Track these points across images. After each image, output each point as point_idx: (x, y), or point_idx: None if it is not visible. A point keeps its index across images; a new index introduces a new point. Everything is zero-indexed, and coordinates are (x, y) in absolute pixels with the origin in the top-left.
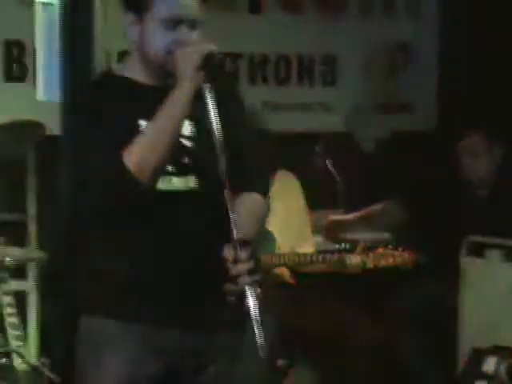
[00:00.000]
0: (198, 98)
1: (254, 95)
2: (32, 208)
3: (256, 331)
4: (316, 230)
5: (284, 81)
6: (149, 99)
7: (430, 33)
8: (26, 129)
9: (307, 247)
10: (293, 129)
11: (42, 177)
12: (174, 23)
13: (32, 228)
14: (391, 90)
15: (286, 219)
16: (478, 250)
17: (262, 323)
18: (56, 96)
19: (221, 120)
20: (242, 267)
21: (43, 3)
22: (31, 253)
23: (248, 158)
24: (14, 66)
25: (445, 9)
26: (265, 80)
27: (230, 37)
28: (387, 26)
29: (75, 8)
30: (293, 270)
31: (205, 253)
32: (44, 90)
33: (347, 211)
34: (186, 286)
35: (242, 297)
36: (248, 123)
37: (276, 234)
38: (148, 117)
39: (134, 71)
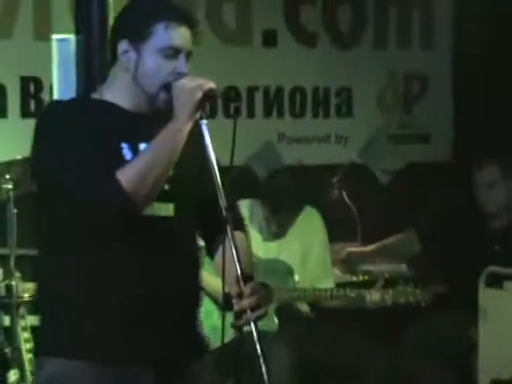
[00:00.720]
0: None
1: (269, 128)
2: None
3: (261, 365)
4: (332, 262)
5: (299, 113)
6: (129, 124)
7: (444, 63)
8: None
9: (327, 283)
10: (309, 161)
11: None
12: (175, 53)
13: None
14: (407, 121)
15: (306, 254)
16: (496, 282)
17: (279, 356)
18: None
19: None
20: (246, 303)
21: (59, 39)
22: None
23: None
24: (31, 101)
25: (459, 40)
26: (280, 112)
27: (246, 70)
28: (402, 58)
29: (90, 43)
30: (312, 305)
31: (180, 283)
32: None
33: (364, 243)
34: (161, 318)
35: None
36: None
37: (296, 269)
38: (129, 140)
39: (117, 96)
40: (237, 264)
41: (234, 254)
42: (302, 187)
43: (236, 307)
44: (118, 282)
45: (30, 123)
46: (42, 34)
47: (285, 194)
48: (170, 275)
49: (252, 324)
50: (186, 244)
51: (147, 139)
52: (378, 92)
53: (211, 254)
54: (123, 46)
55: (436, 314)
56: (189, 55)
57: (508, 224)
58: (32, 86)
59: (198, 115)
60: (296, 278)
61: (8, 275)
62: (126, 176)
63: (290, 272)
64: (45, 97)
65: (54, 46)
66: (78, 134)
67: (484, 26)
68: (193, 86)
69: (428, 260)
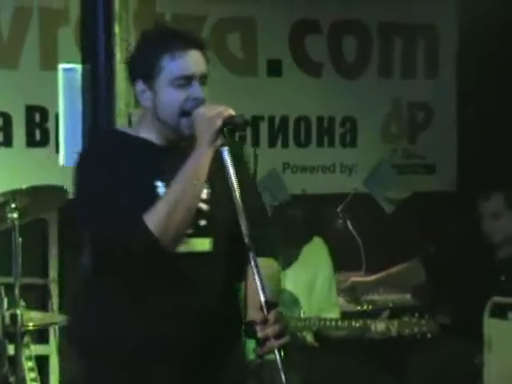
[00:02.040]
0: (213, 160)
1: (274, 157)
2: (53, 271)
3: None
4: (337, 292)
5: (304, 142)
6: (164, 160)
7: (448, 93)
8: (48, 193)
9: (332, 313)
10: (313, 190)
11: (64, 241)
12: (186, 81)
13: (54, 292)
14: (411, 151)
15: (312, 284)
16: (501, 312)
17: None
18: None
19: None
20: (271, 330)
21: (65, 69)
22: (53, 317)
23: (260, 224)
24: (37, 131)
25: (463, 70)
26: (285, 142)
27: (251, 100)
28: (406, 87)
29: (97, 73)
30: (317, 334)
31: (219, 316)
32: (66, 154)
33: (368, 272)
34: (201, 349)
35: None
36: (255, 187)
37: (302, 299)
38: (164, 178)
39: (149, 133)
40: (260, 291)
41: (258, 281)
42: (309, 217)
43: (260, 334)
44: (160, 318)
45: (35, 152)
46: (48, 63)
47: (292, 226)
48: (208, 309)
49: (276, 352)
50: (223, 276)
51: None
52: (382, 121)
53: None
54: (139, 86)
55: (441, 344)
56: (203, 78)
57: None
58: (37, 116)
59: (218, 142)
60: (302, 308)
61: (12, 304)
62: (154, 218)
63: (295, 302)
64: (50, 126)
65: (61, 75)
66: (112, 179)
67: (487, 57)
68: (212, 114)
69: (433, 290)
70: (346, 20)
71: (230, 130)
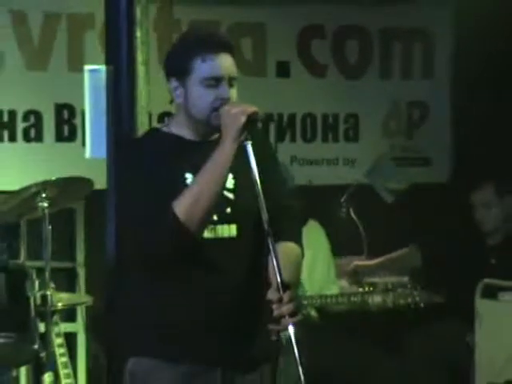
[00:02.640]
0: (239, 154)
1: (282, 151)
2: (80, 256)
3: (298, 369)
4: (341, 275)
5: (310, 138)
6: (194, 154)
7: (443, 92)
8: (75, 184)
9: (332, 289)
10: (318, 181)
11: (91, 227)
12: (215, 82)
13: (80, 274)
14: (409, 146)
15: (312, 265)
16: (491, 293)
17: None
18: (103, 153)
19: (260, 174)
20: (285, 309)
21: (91, 70)
22: (79, 297)
23: (284, 210)
24: (65, 127)
25: (456, 71)
26: (292, 137)
27: (261, 99)
28: (405, 87)
29: (120, 73)
30: (319, 311)
31: (246, 297)
32: (92, 148)
33: (369, 257)
34: (229, 328)
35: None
36: (282, 176)
37: (304, 278)
38: (193, 170)
39: (181, 129)
40: (277, 272)
41: (275, 263)
42: (311, 205)
43: (276, 312)
44: (189, 301)
45: (64, 147)
46: (75, 65)
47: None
48: (236, 292)
49: (290, 329)
50: (249, 261)
51: None
52: (382, 118)
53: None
54: (173, 83)
55: (435, 322)
56: (232, 80)
57: (503, 240)
58: (66, 113)
59: (242, 137)
60: (304, 286)
61: (43, 286)
62: (180, 206)
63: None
64: (77, 122)
65: (86, 75)
66: (145, 175)
67: (480, 58)
68: (237, 110)
69: (428, 273)
70: (349, 25)
71: (253, 123)
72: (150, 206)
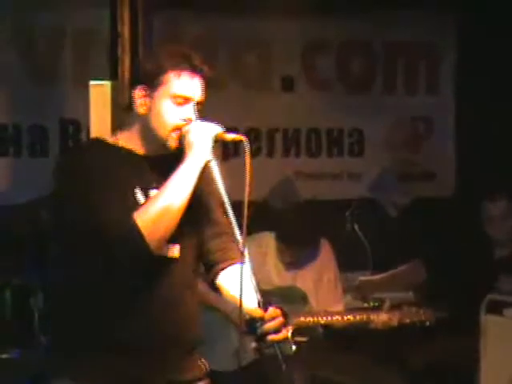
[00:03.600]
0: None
1: (287, 166)
2: None
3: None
4: (346, 290)
5: (315, 152)
6: (143, 169)
7: (448, 108)
8: None
9: (338, 307)
10: (323, 196)
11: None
12: (184, 101)
13: None
14: (413, 160)
15: (319, 282)
16: (497, 308)
17: (296, 377)
18: None
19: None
20: (269, 326)
21: (95, 85)
22: None
23: (229, 232)
24: (70, 142)
25: (460, 86)
26: (297, 152)
27: (266, 113)
28: (409, 102)
29: (124, 88)
30: (324, 327)
31: (179, 318)
32: None
33: (374, 271)
34: (158, 349)
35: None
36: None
37: (310, 295)
38: (143, 185)
39: (130, 142)
40: (254, 291)
41: (254, 283)
42: (317, 221)
43: (259, 331)
44: (126, 316)
45: None
46: (81, 80)
47: (295, 228)
48: (172, 310)
49: (276, 346)
50: (187, 281)
51: (158, 183)
52: (387, 133)
53: (213, 280)
54: (140, 91)
55: (440, 338)
56: (199, 104)
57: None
58: (71, 128)
59: (209, 155)
60: (310, 303)
61: (48, 301)
62: (142, 218)
63: (304, 298)
64: (82, 137)
65: (92, 90)
66: (97, 182)
67: (483, 74)
68: (204, 130)
69: (433, 288)
70: (353, 40)
71: (218, 142)
72: (107, 211)
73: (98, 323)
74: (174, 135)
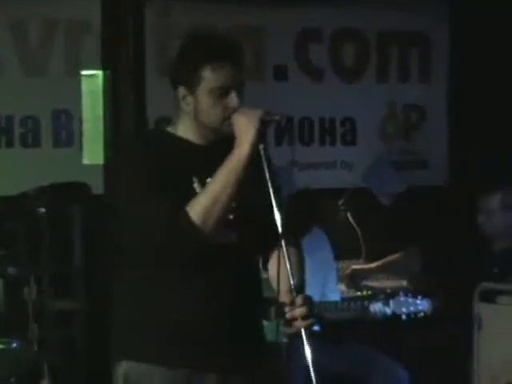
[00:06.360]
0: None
1: (280, 155)
2: (78, 261)
3: (311, 372)
4: (338, 278)
5: (308, 141)
6: (201, 157)
7: (440, 96)
8: (72, 189)
9: (333, 297)
10: (316, 185)
11: (88, 232)
12: (225, 91)
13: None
14: (406, 149)
15: (314, 271)
16: (490, 296)
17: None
18: (100, 159)
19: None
20: (298, 311)
21: (87, 75)
22: (77, 302)
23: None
24: (62, 132)
25: (453, 74)
26: (290, 141)
27: (259, 102)
28: (401, 91)
29: (116, 79)
30: (319, 317)
31: (242, 302)
32: (89, 153)
33: (367, 260)
34: (224, 334)
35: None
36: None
37: (306, 285)
38: (200, 173)
39: (187, 132)
40: (290, 276)
41: (288, 266)
42: (310, 209)
43: (288, 315)
44: (186, 305)
45: (61, 152)
46: (73, 71)
47: (289, 217)
48: (234, 295)
49: (303, 331)
50: (248, 266)
51: (214, 173)
52: (379, 122)
53: (266, 267)
54: (181, 92)
55: (434, 327)
56: (240, 87)
57: (506, 247)
58: (63, 118)
59: (257, 141)
60: (305, 292)
61: (41, 291)
62: (195, 208)
63: (300, 287)
64: (74, 127)
65: (83, 81)
66: (154, 174)
67: (477, 62)
68: (250, 115)
69: (427, 276)
70: (346, 29)
71: (266, 127)
72: (161, 201)
73: (167, 312)
74: (226, 124)
